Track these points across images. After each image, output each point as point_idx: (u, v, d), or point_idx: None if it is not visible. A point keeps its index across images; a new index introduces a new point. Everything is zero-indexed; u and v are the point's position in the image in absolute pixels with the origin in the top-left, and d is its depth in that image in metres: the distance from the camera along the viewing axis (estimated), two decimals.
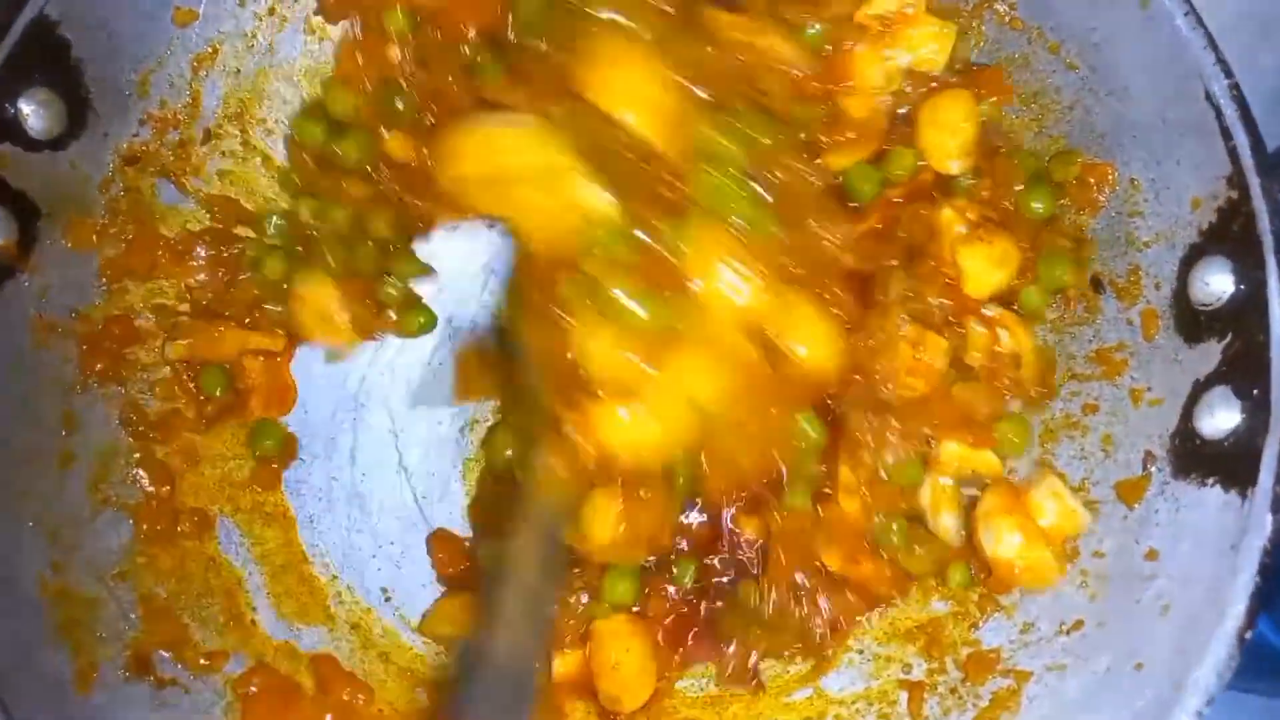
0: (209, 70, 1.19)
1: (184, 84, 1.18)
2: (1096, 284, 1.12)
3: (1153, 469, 1.02)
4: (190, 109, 1.19)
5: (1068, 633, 1.01)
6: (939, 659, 1.12)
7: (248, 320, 1.17)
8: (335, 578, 1.19)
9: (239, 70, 1.20)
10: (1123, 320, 1.10)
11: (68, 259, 1.10)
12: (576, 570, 1.10)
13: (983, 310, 1.11)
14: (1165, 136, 1.05)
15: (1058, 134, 1.16)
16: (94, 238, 1.12)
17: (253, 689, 1.02)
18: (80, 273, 1.11)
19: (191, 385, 1.14)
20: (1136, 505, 1.02)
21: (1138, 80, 1.07)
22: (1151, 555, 0.98)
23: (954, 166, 1.14)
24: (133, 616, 1.04)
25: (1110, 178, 1.12)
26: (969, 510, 1.10)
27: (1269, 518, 0.89)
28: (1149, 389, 1.05)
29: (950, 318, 1.11)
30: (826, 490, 1.11)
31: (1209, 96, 0.99)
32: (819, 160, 1.11)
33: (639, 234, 0.95)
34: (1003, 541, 1.04)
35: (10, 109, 1.03)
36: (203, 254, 1.16)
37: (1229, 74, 0.99)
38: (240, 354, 1.16)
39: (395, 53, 1.14)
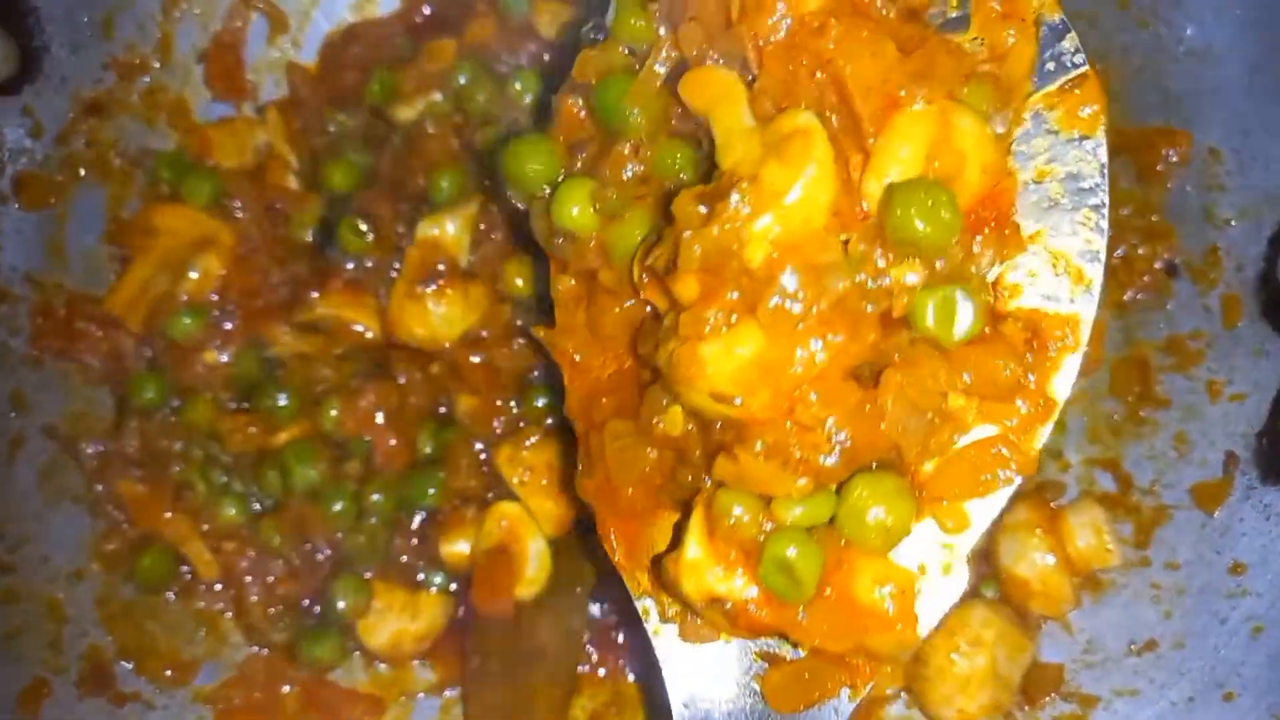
0: (183, 10, 1.06)
1: (154, 24, 1.05)
2: (1170, 268, 1.01)
3: (1236, 472, 0.92)
4: (161, 53, 1.06)
5: (1139, 653, 0.91)
6: None
7: None
8: None
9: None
10: (1198, 305, 0.99)
11: (20, 219, 0.98)
12: None
13: None
14: (1255, 101, 0.95)
15: (1124, 100, 1.05)
16: (50, 198, 1.00)
17: (236, 703, 0.90)
18: (35, 234, 0.99)
19: None
20: (1217, 512, 0.92)
21: (1223, 38, 0.96)
22: (1238, 569, 0.88)
23: None
24: (90, 622, 0.92)
25: (1184, 148, 1.01)
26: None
27: None
28: (1229, 382, 0.95)
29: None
30: None
31: None
32: None
33: None
34: (1026, 559, 0.92)
35: None
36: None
37: None
38: None
39: None
